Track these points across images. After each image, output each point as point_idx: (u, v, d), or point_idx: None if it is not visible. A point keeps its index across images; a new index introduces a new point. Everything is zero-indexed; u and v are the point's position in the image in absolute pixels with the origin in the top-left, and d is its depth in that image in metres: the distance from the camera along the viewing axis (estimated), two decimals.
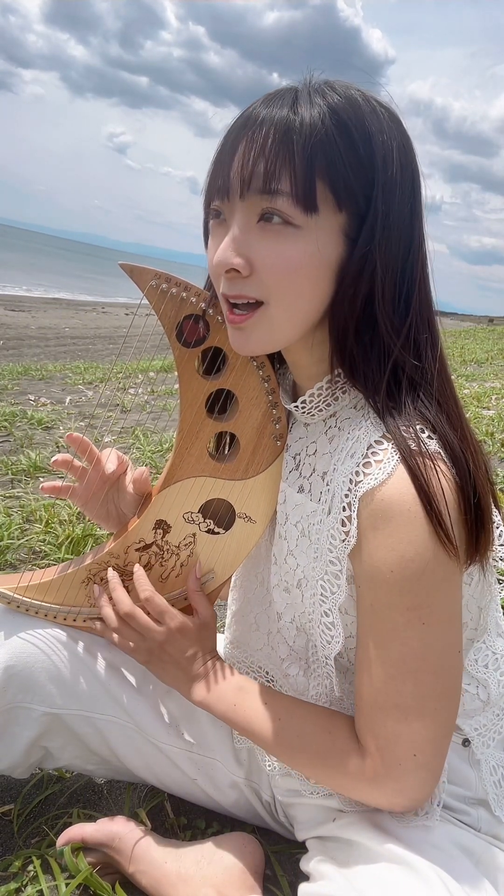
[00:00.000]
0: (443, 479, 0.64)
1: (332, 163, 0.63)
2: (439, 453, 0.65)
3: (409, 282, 0.68)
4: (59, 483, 0.89)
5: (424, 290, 0.70)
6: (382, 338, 0.68)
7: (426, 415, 0.68)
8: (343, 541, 0.68)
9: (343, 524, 0.68)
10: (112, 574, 0.87)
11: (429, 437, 0.66)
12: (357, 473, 0.66)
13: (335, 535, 0.69)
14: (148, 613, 0.84)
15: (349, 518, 0.67)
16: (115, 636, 0.86)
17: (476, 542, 0.67)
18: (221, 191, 0.67)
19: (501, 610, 0.82)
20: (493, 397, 5.32)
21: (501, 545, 0.74)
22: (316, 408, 0.76)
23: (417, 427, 0.66)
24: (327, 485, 0.72)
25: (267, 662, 0.91)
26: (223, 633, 1.01)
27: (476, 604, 0.76)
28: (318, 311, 0.69)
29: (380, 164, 0.65)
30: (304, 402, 0.76)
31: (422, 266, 0.70)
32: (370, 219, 0.65)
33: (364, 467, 0.66)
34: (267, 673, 0.92)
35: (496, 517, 0.70)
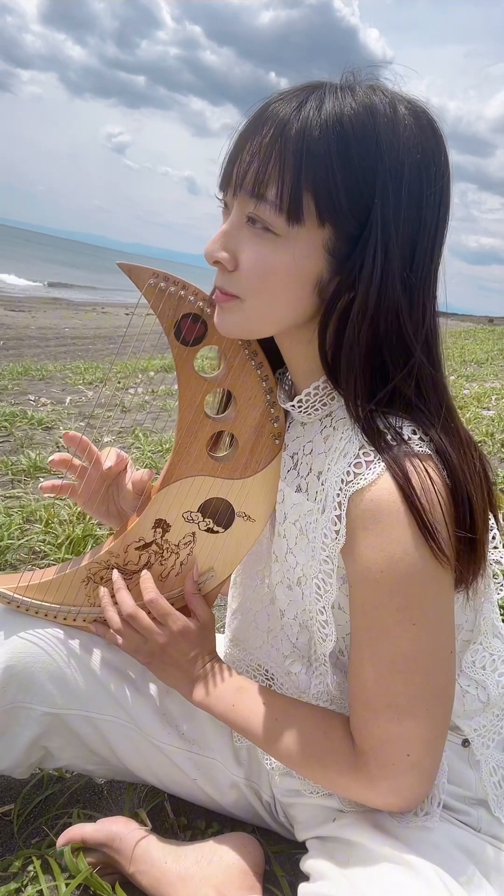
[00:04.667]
0: (433, 480, 0.63)
1: (321, 176, 0.62)
2: (429, 455, 0.65)
3: (408, 301, 0.66)
4: (58, 482, 0.89)
5: (423, 309, 0.68)
6: (380, 355, 0.67)
7: (417, 418, 0.67)
8: (334, 539, 0.69)
9: (334, 523, 0.68)
10: (116, 575, 0.87)
11: (420, 438, 0.66)
12: (348, 473, 0.67)
13: (328, 534, 0.70)
14: (150, 616, 0.84)
15: (339, 517, 0.67)
16: (118, 637, 0.86)
17: (470, 548, 0.67)
18: (225, 183, 0.69)
19: (498, 611, 0.82)
20: (493, 397, 5.31)
21: (495, 548, 0.74)
22: (312, 407, 0.76)
23: (408, 429, 0.66)
24: (322, 484, 0.72)
25: (267, 660, 0.91)
26: (223, 632, 1.01)
27: (471, 605, 0.76)
28: (297, 318, 0.70)
29: (382, 186, 0.62)
30: (300, 401, 0.76)
31: (427, 286, 0.68)
32: (361, 245, 0.64)
33: (355, 468, 0.66)
34: (267, 671, 0.91)
35: (492, 523, 0.70)
